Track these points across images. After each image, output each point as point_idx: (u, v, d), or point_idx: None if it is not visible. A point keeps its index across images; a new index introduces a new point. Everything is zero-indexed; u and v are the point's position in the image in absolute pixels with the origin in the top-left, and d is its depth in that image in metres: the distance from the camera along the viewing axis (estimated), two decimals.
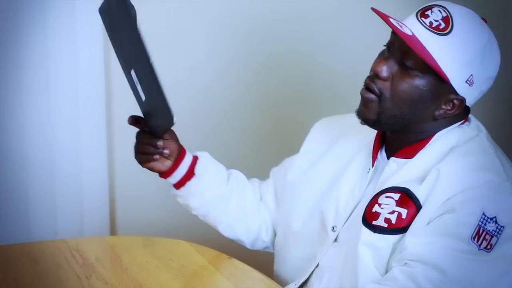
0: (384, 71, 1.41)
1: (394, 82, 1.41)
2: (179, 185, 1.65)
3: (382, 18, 1.38)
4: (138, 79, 1.46)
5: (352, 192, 1.52)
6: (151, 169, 1.61)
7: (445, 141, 1.44)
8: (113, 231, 2.46)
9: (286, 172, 1.71)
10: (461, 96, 1.42)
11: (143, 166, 1.59)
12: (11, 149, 2.27)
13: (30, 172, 2.27)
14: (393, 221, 1.38)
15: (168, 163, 1.61)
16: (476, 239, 1.31)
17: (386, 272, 1.40)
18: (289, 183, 1.67)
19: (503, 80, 1.58)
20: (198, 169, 1.65)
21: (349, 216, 1.51)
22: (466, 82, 1.40)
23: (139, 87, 1.47)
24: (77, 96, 2.30)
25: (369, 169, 1.51)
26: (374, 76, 1.43)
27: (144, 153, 1.56)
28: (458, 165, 1.39)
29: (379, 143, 1.53)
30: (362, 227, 1.42)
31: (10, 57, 2.22)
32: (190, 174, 1.64)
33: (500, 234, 1.32)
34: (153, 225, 2.33)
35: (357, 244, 1.41)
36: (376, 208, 1.42)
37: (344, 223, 1.51)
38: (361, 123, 1.47)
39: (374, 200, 1.44)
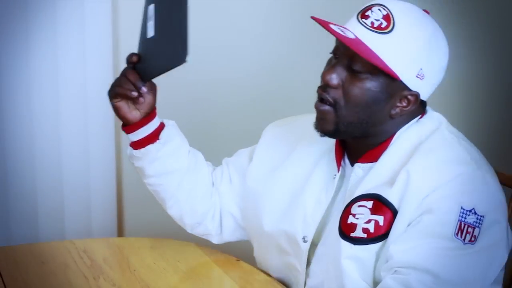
0: (333, 79, 1.40)
1: (346, 88, 1.40)
2: (139, 145, 1.58)
3: (322, 25, 1.37)
4: (155, 13, 1.42)
5: (319, 200, 1.50)
6: (118, 110, 1.53)
7: (406, 139, 1.43)
8: (120, 232, 2.47)
9: (244, 173, 1.67)
10: (415, 91, 1.40)
11: (112, 101, 1.52)
12: (20, 150, 2.28)
13: (38, 173, 2.28)
14: (372, 230, 1.37)
15: (136, 114, 1.54)
16: (459, 234, 1.32)
17: (374, 281, 1.39)
18: (250, 190, 1.64)
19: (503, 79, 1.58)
20: (164, 135, 1.58)
21: (318, 225, 1.49)
22: (417, 76, 1.38)
23: (150, 23, 1.43)
24: (85, 99, 2.32)
25: (335, 175, 1.49)
26: (325, 85, 1.41)
27: (122, 87, 1.49)
28: (426, 163, 1.37)
29: (340, 149, 1.51)
30: (341, 241, 1.40)
31: (19, 57, 2.23)
32: (153, 137, 1.57)
33: (481, 224, 1.32)
34: (160, 226, 2.32)
35: (339, 259, 1.40)
36: (351, 219, 1.40)
37: (315, 233, 1.49)
38: (321, 136, 1.45)
39: (347, 211, 1.42)
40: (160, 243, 1.74)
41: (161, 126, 1.59)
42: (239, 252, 1.70)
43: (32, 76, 2.25)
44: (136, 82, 1.48)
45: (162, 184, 1.64)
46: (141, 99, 1.51)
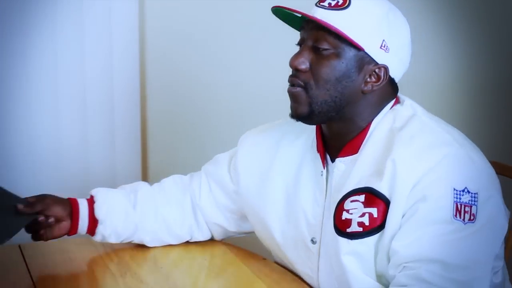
0: (301, 62, 1.43)
1: (314, 69, 1.42)
2: (91, 233, 1.65)
3: (289, 10, 1.42)
4: None
5: (315, 199, 1.50)
6: (54, 238, 1.61)
7: (383, 126, 1.44)
8: None
9: (224, 184, 1.68)
10: (382, 64, 1.42)
11: (43, 240, 1.60)
12: (46, 150, 2.29)
13: (65, 170, 2.29)
14: (367, 223, 1.38)
15: (65, 225, 1.61)
16: (458, 215, 1.32)
17: (376, 274, 1.40)
18: (251, 207, 1.63)
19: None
20: (98, 214, 1.64)
21: (321, 225, 1.49)
22: (381, 48, 1.41)
23: None
24: (112, 99, 2.33)
25: (322, 171, 1.50)
26: (294, 71, 1.44)
27: (35, 231, 1.58)
28: (410, 150, 1.38)
29: (322, 146, 1.51)
30: (338, 238, 1.41)
31: (46, 55, 2.24)
32: (94, 221, 1.64)
33: (477, 201, 1.33)
34: None
35: (339, 256, 1.40)
36: (345, 215, 1.40)
37: (321, 233, 1.49)
38: (296, 120, 1.46)
39: (340, 208, 1.42)
40: (187, 241, 1.73)
41: (91, 205, 1.64)
42: (265, 251, 1.70)
43: (59, 76, 2.26)
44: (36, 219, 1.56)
45: (132, 240, 1.70)
46: (50, 220, 1.58)
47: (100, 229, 1.63)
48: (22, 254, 1.66)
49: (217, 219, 1.70)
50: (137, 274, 1.57)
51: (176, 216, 1.69)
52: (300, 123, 1.48)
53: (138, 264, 1.63)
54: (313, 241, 1.50)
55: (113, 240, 1.66)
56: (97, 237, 1.65)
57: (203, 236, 1.72)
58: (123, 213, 1.65)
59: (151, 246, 1.69)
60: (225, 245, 1.73)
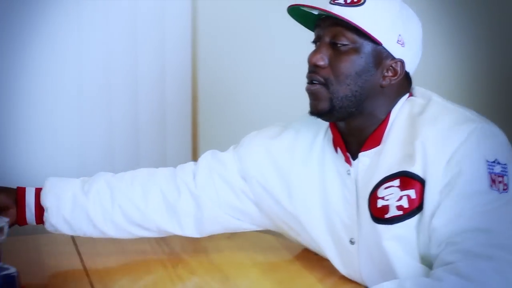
0: (320, 59, 1.43)
1: (333, 65, 1.43)
2: (41, 222, 1.60)
3: (309, 7, 1.43)
4: None
5: (345, 199, 1.49)
6: None
7: (402, 115, 1.45)
8: None
9: (233, 184, 1.60)
10: (399, 59, 1.44)
11: None
12: (99, 148, 2.33)
13: (116, 160, 2.32)
14: (406, 205, 1.38)
15: (12, 212, 1.57)
16: (493, 185, 1.34)
17: (420, 256, 1.39)
18: (292, 214, 1.57)
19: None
20: (43, 201, 1.59)
21: (357, 223, 1.48)
22: (397, 42, 1.43)
23: None
24: (163, 97, 2.36)
25: (348, 170, 1.48)
26: (313, 68, 1.44)
27: None
28: (436, 129, 1.39)
29: (343, 144, 1.49)
30: (377, 226, 1.41)
31: (99, 53, 2.27)
32: (40, 208, 1.59)
33: (507, 172, 1.36)
34: None
35: (381, 243, 1.40)
36: (381, 203, 1.40)
37: (358, 232, 1.48)
38: (317, 117, 1.46)
39: (373, 197, 1.42)
40: (237, 233, 1.72)
41: (38, 193, 1.59)
42: None
43: (112, 75, 2.29)
44: None
45: (93, 232, 1.62)
46: None
47: (46, 216, 1.59)
48: (75, 244, 1.68)
49: (219, 214, 1.61)
50: (188, 265, 1.58)
51: (137, 204, 1.60)
52: (312, 124, 1.51)
53: (189, 256, 1.63)
54: (351, 242, 1.49)
55: (66, 230, 1.60)
56: (47, 226, 1.60)
57: (178, 230, 1.62)
58: (70, 200, 1.60)
59: (118, 237, 1.63)
60: (275, 239, 1.73)
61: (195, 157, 2.45)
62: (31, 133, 2.20)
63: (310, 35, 1.49)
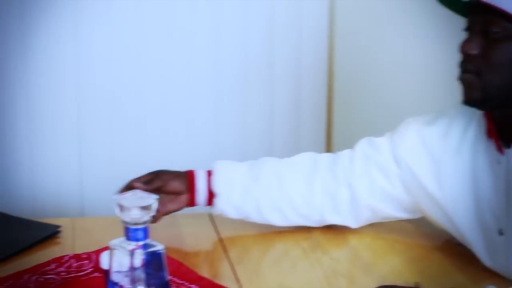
0: (472, 47, 1.38)
1: (487, 54, 1.37)
2: (210, 205, 1.63)
3: None
4: None
5: (496, 189, 1.43)
6: (174, 211, 1.61)
7: None
8: None
9: (388, 171, 1.58)
10: None
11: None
12: (233, 128, 2.41)
13: (250, 146, 2.42)
14: None
15: (184, 198, 1.60)
16: None
17: None
18: (441, 200, 1.54)
19: None
20: (214, 187, 1.61)
21: (507, 214, 1.42)
22: None
23: None
24: (299, 99, 2.43)
25: (499, 159, 1.42)
26: (465, 58, 1.39)
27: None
28: None
29: (495, 133, 1.44)
30: None
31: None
32: (211, 194, 1.61)
33: None
34: None
35: None
36: None
37: (507, 223, 1.42)
38: (469, 106, 1.42)
39: None
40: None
41: (209, 177, 1.62)
42: None
43: (249, 72, 2.36)
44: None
45: (258, 218, 1.64)
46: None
47: (217, 202, 1.61)
48: (213, 221, 1.70)
49: (373, 201, 1.60)
50: (327, 250, 1.57)
51: (303, 193, 1.62)
52: (466, 112, 1.47)
53: (328, 240, 1.62)
54: (500, 233, 1.44)
55: (233, 215, 1.63)
56: (215, 210, 1.63)
57: (338, 220, 1.63)
58: (241, 187, 1.61)
59: (280, 225, 1.64)
60: (416, 227, 1.68)
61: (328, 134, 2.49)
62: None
63: (450, 30, 1.46)
